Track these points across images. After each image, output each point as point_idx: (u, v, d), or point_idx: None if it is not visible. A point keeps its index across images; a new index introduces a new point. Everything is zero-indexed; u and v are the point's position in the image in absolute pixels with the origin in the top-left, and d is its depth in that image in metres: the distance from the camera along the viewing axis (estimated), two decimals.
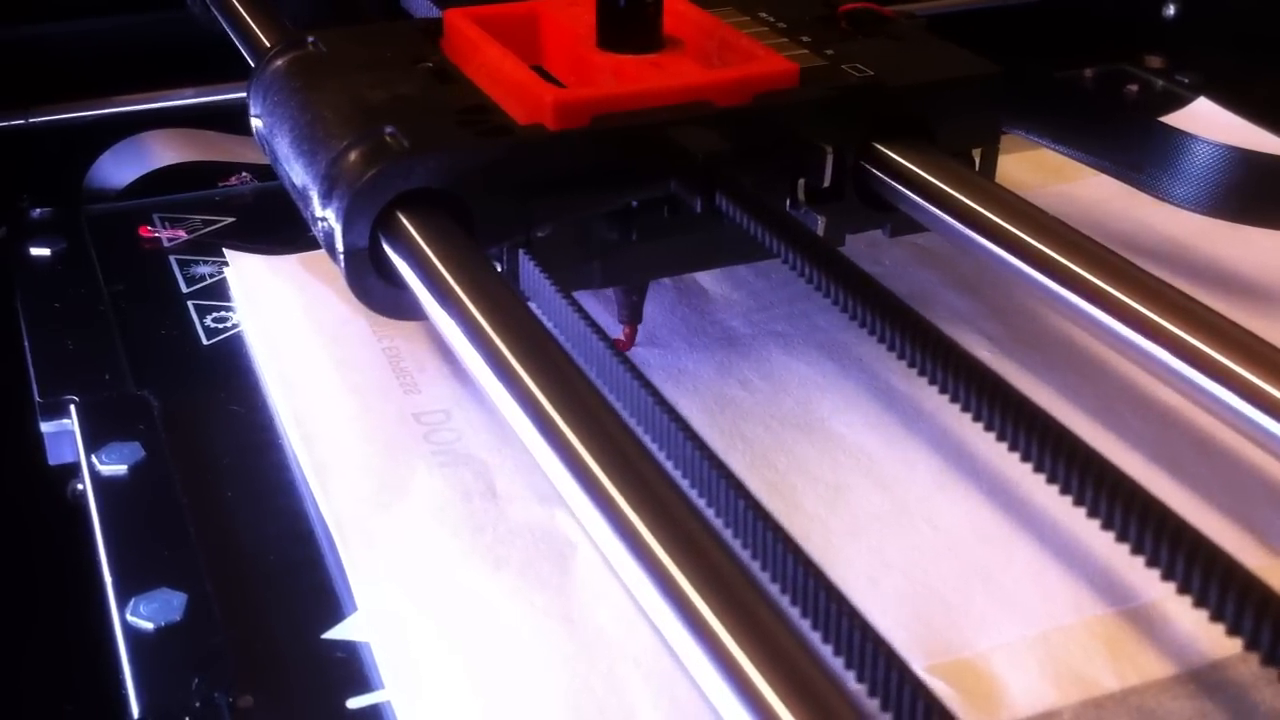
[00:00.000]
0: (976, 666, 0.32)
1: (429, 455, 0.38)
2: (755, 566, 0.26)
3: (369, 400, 0.41)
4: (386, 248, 0.36)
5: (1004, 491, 0.37)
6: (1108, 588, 0.34)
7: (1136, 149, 0.48)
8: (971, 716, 0.30)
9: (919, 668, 0.31)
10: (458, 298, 0.32)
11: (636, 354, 0.43)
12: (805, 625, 0.24)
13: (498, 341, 0.30)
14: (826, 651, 0.24)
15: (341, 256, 0.36)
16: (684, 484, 0.27)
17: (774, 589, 0.25)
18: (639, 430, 0.29)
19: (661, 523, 0.25)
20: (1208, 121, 0.59)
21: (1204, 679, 0.31)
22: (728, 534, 0.26)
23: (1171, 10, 0.71)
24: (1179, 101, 0.62)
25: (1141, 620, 0.33)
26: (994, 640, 0.32)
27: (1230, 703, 0.31)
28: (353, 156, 0.36)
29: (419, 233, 0.35)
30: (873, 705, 0.23)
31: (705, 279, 0.47)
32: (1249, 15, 0.68)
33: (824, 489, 0.37)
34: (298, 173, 0.38)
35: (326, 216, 0.36)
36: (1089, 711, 0.31)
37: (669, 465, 0.28)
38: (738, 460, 0.38)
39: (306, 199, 0.37)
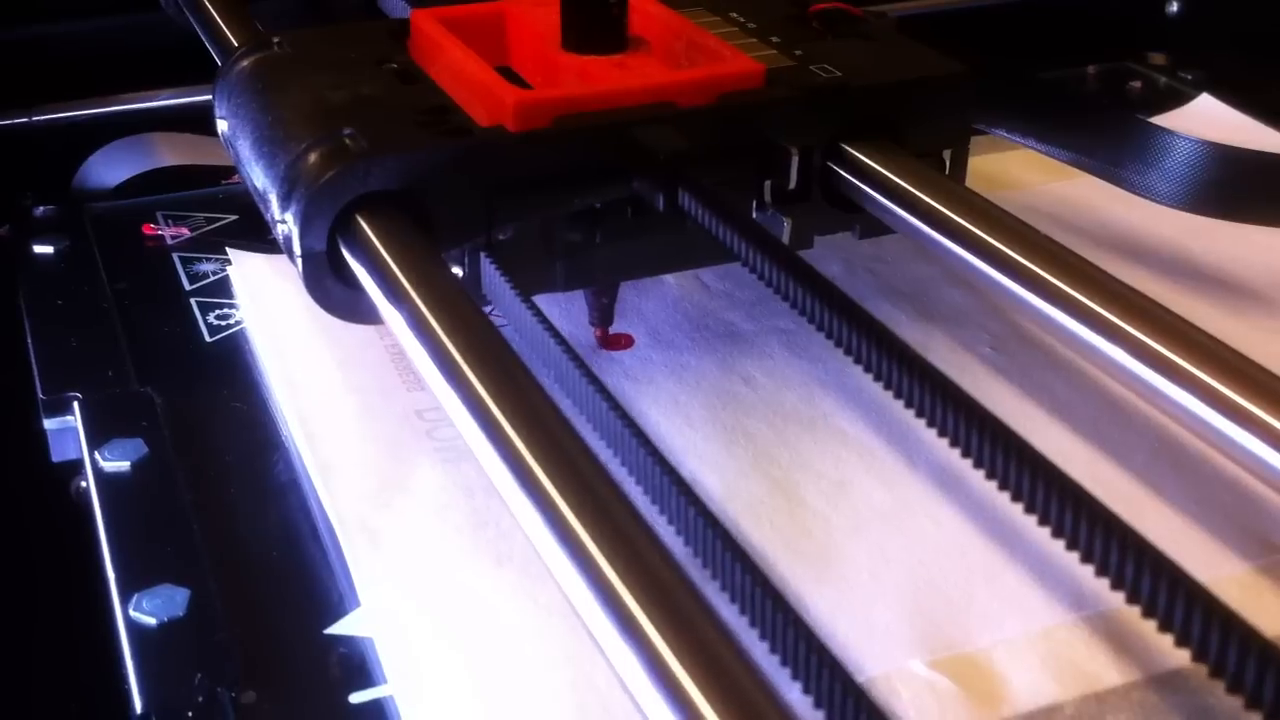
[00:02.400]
0: (979, 662, 0.32)
1: (431, 452, 0.38)
2: (705, 575, 0.26)
3: (371, 397, 0.41)
4: (344, 251, 0.35)
5: (1000, 491, 0.37)
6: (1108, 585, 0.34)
7: (1115, 146, 0.48)
8: (974, 712, 0.30)
9: (921, 663, 0.32)
10: (412, 302, 0.32)
11: (639, 350, 0.43)
12: (755, 635, 0.24)
13: (450, 347, 0.30)
14: (773, 662, 0.24)
15: (299, 259, 0.35)
16: (637, 492, 0.27)
17: (722, 596, 0.25)
18: (594, 436, 0.29)
19: (604, 530, 0.25)
20: (1210, 119, 0.59)
21: (1206, 675, 0.31)
22: (679, 540, 0.26)
23: (1174, 7, 0.71)
24: (1182, 99, 0.62)
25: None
26: (996, 636, 0.32)
27: (1232, 699, 0.31)
28: (311, 158, 0.35)
29: (376, 236, 0.34)
30: (817, 716, 0.23)
31: (707, 275, 0.47)
32: (1252, 12, 0.68)
33: (826, 485, 0.37)
34: (258, 175, 0.37)
35: (286, 219, 0.35)
36: (1091, 706, 0.31)
37: (624, 472, 0.28)
38: (740, 456, 0.38)
39: (267, 201, 0.36)
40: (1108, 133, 0.49)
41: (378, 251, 0.34)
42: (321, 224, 0.35)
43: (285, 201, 0.35)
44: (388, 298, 0.33)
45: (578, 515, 0.25)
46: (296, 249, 0.35)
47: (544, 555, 0.25)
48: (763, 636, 0.25)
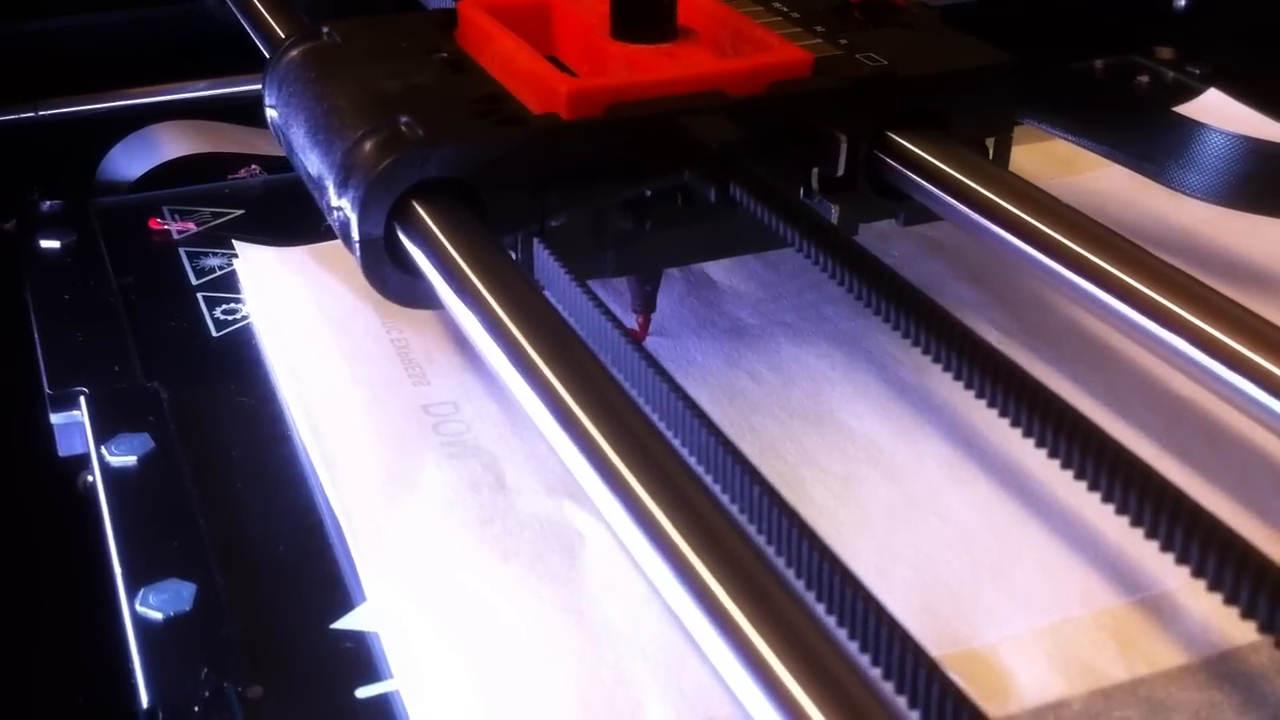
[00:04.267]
0: (985, 658, 0.32)
1: (438, 447, 0.38)
2: (771, 552, 0.26)
3: (378, 392, 0.41)
4: (402, 237, 0.36)
5: (1013, 484, 0.37)
6: (1117, 579, 0.34)
7: (1150, 139, 0.48)
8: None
9: None
10: (474, 287, 0.32)
11: (646, 345, 0.43)
12: (821, 611, 0.24)
13: (514, 330, 0.31)
14: (842, 636, 0.24)
15: (357, 245, 0.36)
16: (699, 470, 0.27)
17: (789, 574, 0.25)
18: (655, 418, 0.29)
19: (679, 509, 0.25)
20: (1218, 112, 0.59)
21: (1214, 669, 0.31)
22: (744, 520, 0.26)
23: (1181, 1, 0.71)
24: (1190, 92, 0.62)
25: (1151, 611, 0.33)
26: (1003, 632, 0.32)
27: (1240, 693, 0.31)
28: (368, 146, 0.36)
29: (434, 222, 0.35)
30: (888, 688, 0.23)
31: (714, 270, 0.47)
32: (1259, 6, 0.68)
33: (833, 480, 0.37)
34: (313, 162, 0.38)
35: (342, 205, 0.36)
36: (1098, 702, 0.31)
37: (685, 452, 0.28)
38: (746, 451, 0.38)
39: (322, 188, 0.37)
40: (1140, 125, 0.49)
41: (436, 237, 0.34)
42: (379, 211, 0.36)
43: (342, 188, 0.36)
44: (448, 282, 0.33)
45: (649, 491, 0.26)
46: (354, 235, 0.36)
47: (619, 533, 0.26)
48: (829, 611, 0.25)
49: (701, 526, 0.25)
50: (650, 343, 0.43)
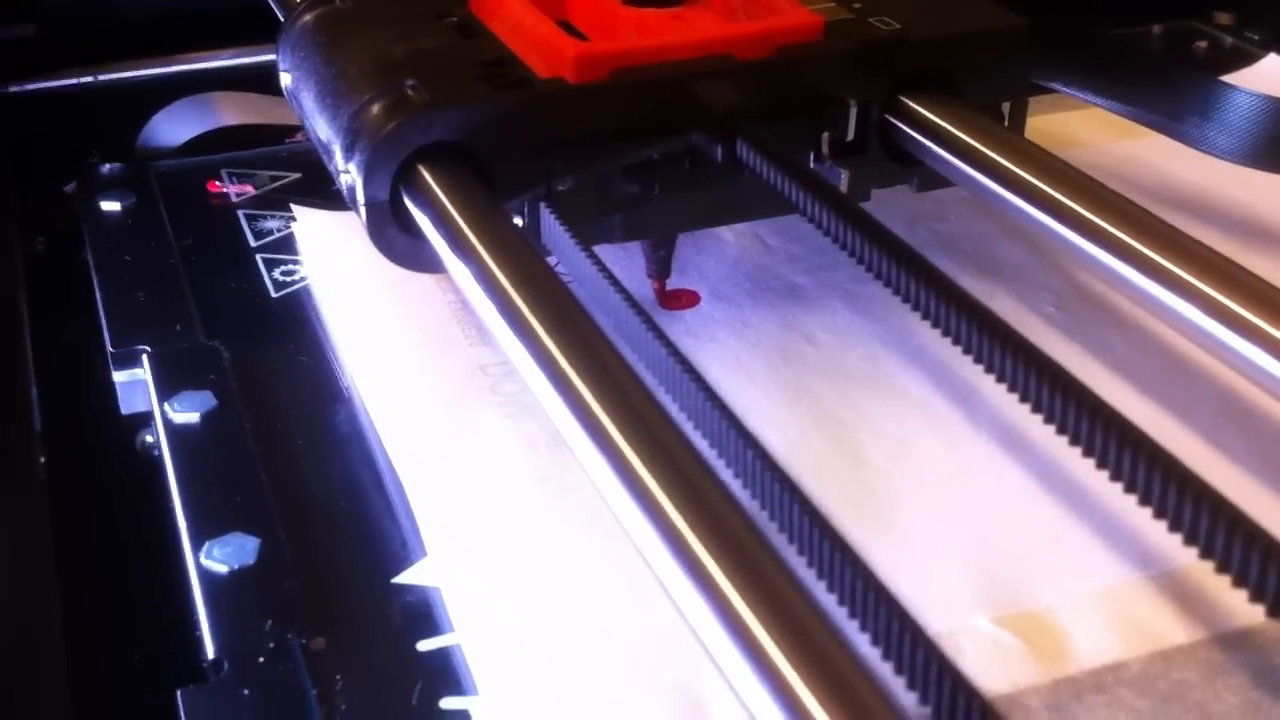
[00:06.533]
0: (1043, 619, 0.32)
1: (495, 406, 0.39)
2: (765, 519, 0.26)
3: (435, 352, 0.41)
4: (406, 200, 0.36)
5: (1070, 447, 0.37)
6: (1174, 543, 0.33)
7: (1175, 99, 0.47)
8: (1039, 667, 0.30)
9: (986, 619, 0.32)
10: (475, 251, 0.32)
11: (700, 308, 0.43)
12: (821, 588, 0.24)
13: (513, 294, 0.30)
14: (841, 614, 0.24)
15: (362, 209, 0.36)
16: (697, 436, 0.27)
17: (785, 544, 0.25)
18: (655, 383, 0.29)
19: (669, 474, 0.25)
20: (1277, 78, 0.58)
21: (1273, 633, 0.31)
22: (737, 484, 0.26)
23: None
24: (1248, 59, 0.61)
25: (1209, 574, 0.32)
26: (1060, 594, 0.32)
27: None
28: (374, 110, 0.36)
29: (438, 186, 0.35)
30: (886, 668, 0.23)
31: (768, 234, 0.47)
32: None
33: (890, 444, 0.37)
34: (322, 127, 0.38)
35: (349, 169, 0.36)
36: (1157, 664, 0.31)
37: (684, 420, 0.28)
38: (803, 414, 0.38)
39: (330, 152, 0.37)
40: (1167, 87, 0.48)
41: (440, 201, 0.34)
42: (385, 174, 0.36)
43: (349, 152, 0.36)
44: (451, 247, 0.33)
45: (643, 461, 0.25)
46: (360, 199, 0.36)
47: (610, 502, 0.26)
48: (830, 589, 0.25)
49: (693, 493, 0.24)
50: (704, 306, 0.43)
